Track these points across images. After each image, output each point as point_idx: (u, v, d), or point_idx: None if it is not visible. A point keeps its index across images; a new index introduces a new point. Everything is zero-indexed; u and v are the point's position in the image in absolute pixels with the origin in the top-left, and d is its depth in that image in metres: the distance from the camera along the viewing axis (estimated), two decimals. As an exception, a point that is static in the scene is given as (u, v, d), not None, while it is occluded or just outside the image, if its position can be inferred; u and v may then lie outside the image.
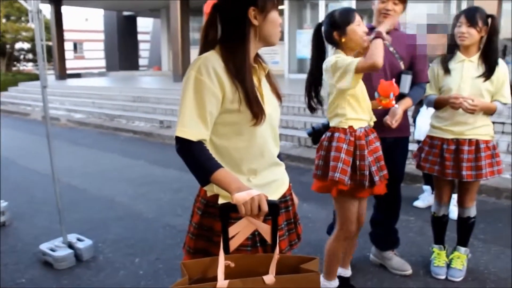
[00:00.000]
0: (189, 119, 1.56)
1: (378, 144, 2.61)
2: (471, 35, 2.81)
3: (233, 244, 1.51)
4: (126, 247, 3.76)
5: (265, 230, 1.52)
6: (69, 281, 3.21)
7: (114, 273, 3.31)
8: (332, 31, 2.48)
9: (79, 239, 3.62)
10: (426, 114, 4.03)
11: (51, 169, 3.51)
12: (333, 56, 2.45)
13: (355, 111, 2.50)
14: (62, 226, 3.54)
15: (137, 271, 3.34)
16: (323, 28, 2.55)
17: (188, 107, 1.56)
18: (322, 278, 2.80)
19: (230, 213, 1.49)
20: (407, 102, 2.91)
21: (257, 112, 1.60)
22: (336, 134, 2.51)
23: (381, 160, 2.61)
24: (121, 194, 5.27)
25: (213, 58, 1.61)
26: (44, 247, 3.50)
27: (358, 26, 2.44)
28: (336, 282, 2.83)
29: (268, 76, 1.78)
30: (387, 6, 2.86)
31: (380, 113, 2.79)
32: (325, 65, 2.49)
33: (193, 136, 1.56)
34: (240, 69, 1.59)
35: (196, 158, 1.56)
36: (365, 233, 3.39)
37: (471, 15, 2.78)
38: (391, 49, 2.92)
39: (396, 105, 2.69)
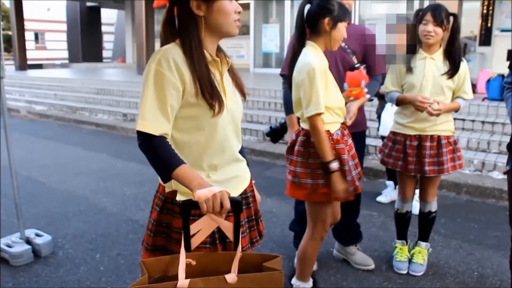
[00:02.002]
0: (150, 112, 1.52)
1: (351, 141, 2.58)
2: (437, 34, 2.83)
3: (195, 242, 1.48)
4: (87, 242, 3.67)
5: (227, 227, 1.50)
6: (26, 278, 3.11)
7: (74, 269, 3.23)
8: (325, 16, 2.35)
9: (37, 235, 3.51)
10: (391, 110, 4.08)
11: (8, 161, 3.38)
12: (304, 71, 2.34)
13: (330, 114, 2.42)
14: (20, 220, 3.42)
15: (98, 267, 3.26)
16: (309, 7, 2.41)
17: (149, 100, 1.52)
18: (295, 280, 2.80)
19: (191, 210, 1.45)
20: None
21: (213, 103, 1.56)
22: (312, 140, 2.42)
23: (355, 157, 2.58)
24: (82, 187, 5.15)
25: (174, 51, 1.57)
26: (0, 243, 3.38)
27: (344, 28, 2.40)
28: (310, 283, 2.81)
29: (232, 71, 1.75)
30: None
31: None
32: (298, 74, 2.39)
33: (154, 130, 1.52)
34: (194, 61, 1.56)
35: (158, 153, 1.52)
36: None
37: (438, 14, 2.80)
38: (342, 44, 2.88)
39: (368, 95, 2.67)
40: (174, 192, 1.65)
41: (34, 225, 3.76)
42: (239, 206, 1.49)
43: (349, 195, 2.46)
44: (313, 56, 2.37)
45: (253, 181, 1.88)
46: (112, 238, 3.74)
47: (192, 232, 1.47)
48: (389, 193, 4.65)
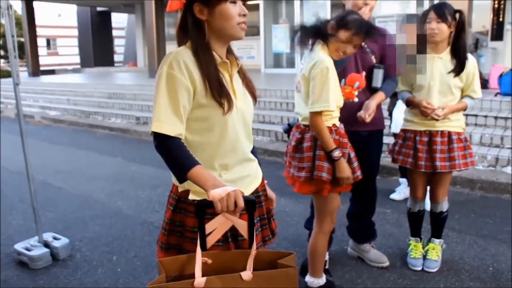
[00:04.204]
0: (164, 114, 1.56)
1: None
2: (442, 30, 2.82)
3: (210, 241, 1.50)
4: (103, 245, 3.72)
5: (242, 226, 1.52)
6: (46, 281, 3.16)
7: (92, 272, 3.28)
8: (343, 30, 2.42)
9: (55, 238, 3.57)
10: (402, 107, 4.07)
11: (26, 167, 3.44)
12: (318, 67, 2.38)
13: (336, 111, 2.49)
14: (38, 224, 3.48)
15: (115, 269, 3.31)
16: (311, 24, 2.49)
17: (162, 102, 1.57)
18: (309, 277, 2.82)
19: (206, 209, 1.48)
20: (380, 96, 2.92)
21: (221, 101, 1.60)
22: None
23: (352, 151, 2.63)
24: (98, 191, 5.21)
25: (184, 53, 1.62)
26: (19, 246, 3.45)
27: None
28: (323, 279, 2.83)
29: (242, 73, 1.78)
30: (366, 1, 2.85)
31: (354, 107, 2.81)
32: (311, 70, 2.42)
33: (169, 131, 1.56)
34: (202, 62, 1.61)
35: (173, 155, 1.57)
36: (343, 226, 3.42)
37: (440, 11, 2.80)
38: (362, 44, 2.93)
39: (356, 99, 2.68)
40: (187, 192, 1.69)
41: (51, 229, 3.81)
42: (253, 205, 1.52)
43: (350, 182, 2.54)
44: (324, 55, 2.42)
45: (266, 181, 1.91)
46: (128, 241, 3.79)
47: (207, 231, 1.49)
48: (402, 191, 4.64)
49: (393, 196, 4.65)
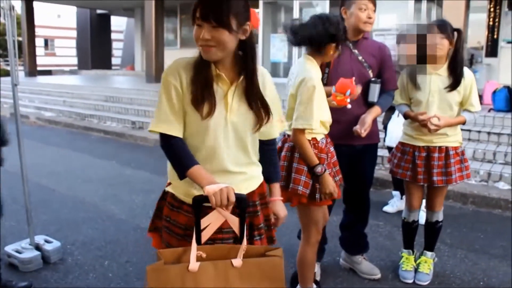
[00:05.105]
0: (163, 115, 1.73)
1: (333, 149, 2.66)
2: (444, 46, 2.85)
3: (205, 236, 1.66)
4: (96, 249, 3.71)
5: (233, 221, 1.68)
6: (36, 284, 3.14)
7: (83, 276, 3.27)
8: (332, 42, 2.45)
9: (47, 241, 3.55)
10: (397, 120, 4.12)
11: (21, 168, 3.44)
12: (304, 85, 2.40)
13: (321, 123, 2.51)
14: (30, 227, 3.47)
15: (107, 273, 3.30)
16: (314, 29, 2.45)
17: (161, 105, 1.74)
18: (299, 287, 2.83)
19: (202, 204, 1.64)
20: (376, 110, 2.94)
21: (201, 106, 1.69)
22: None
23: (337, 165, 2.66)
24: (91, 194, 5.20)
25: (184, 61, 1.76)
26: (9, 248, 3.43)
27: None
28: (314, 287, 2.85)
29: (246, 90, 1.78)
30: (369, 14, 2.87)
31: (350, 121, 2.84)
32: (297, 86, 2.45)
33: (166, 131, 1.72)
34: (196, 71, 1.73)
35: (175, 153, 1.74)
36: (335, 237, 3.44)
37: (444, 26, 2.84)
38: (360, 58, 2.95)
39: (349, 106, 2.69)
40: (169, 183, 1.88)
41: (43, 231, 3.80)
42: (243, 202, 1.67)
43: (332, 197, 2.56)
44: (312, 70, 2.45)
45: (280, 198, 2.03)
46: (121, 246, 3.78)
47: (202, 226, 1.65)
48: (395, 203, 4.66)
49: (386, 208, 4.67)
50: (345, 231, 3.39)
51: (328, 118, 2.54)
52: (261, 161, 1.94)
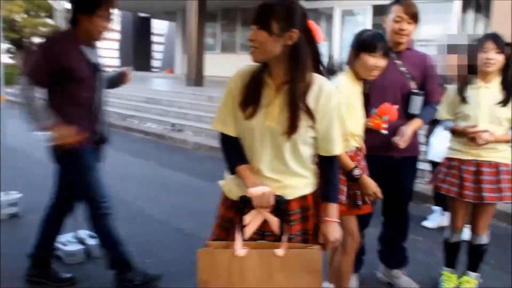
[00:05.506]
0: (221, 116, 1.92)
1: (364, 163, 2.64)
2: (499, 61, 2.80)
3: (247, 232, 1.83)
4: (136, 246, 3.76)
5: (272, 221, 1.84)
6: (78, 277, 3.24)
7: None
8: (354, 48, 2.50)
9: (90, 236, 3.64)
10: (442, 135, 4.04)
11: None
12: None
13: (351, 136, 2.50)
14: (75, 221, 3.57)
15: (147, 271, 3.35)
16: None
17: (221, 107, 1.93)
18: None
19: (247, 203, 1.82)
20: (417, 122, 2.91)
21: (246, 107, 1.83)
22: None
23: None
24: (130, 193, 5.30)
25: (247, 68, 1.89)
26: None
27: (370, 58, 2.46)
28: None
29: (289, 98, 1.79)
30: (402, 26, 2.86)
31: (389, 132, 2.81)
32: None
33: (223, 129, 1.92)
34: (249, 78, 1.86)
35: (227, 150, 1.95)
36: (374, 250, 3.40)
37: (500, 41, 2.78)
38: (402, 69, 2.92)
39: (385, 132, 2.70)
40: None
41: (86, 227, 3.88)
42: (282, 203, 1.83)
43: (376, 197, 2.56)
44: (349, 84, 2.49)
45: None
46: (159, 245, 3.85)
47: (245, 223, 1.83)
48: (435, 219, 4.58)
49: (425, 223, 4.59)
50: (383, 244, 3.35)
51: (359, 131, 2.54)
52: (320, 177, 1.98)
